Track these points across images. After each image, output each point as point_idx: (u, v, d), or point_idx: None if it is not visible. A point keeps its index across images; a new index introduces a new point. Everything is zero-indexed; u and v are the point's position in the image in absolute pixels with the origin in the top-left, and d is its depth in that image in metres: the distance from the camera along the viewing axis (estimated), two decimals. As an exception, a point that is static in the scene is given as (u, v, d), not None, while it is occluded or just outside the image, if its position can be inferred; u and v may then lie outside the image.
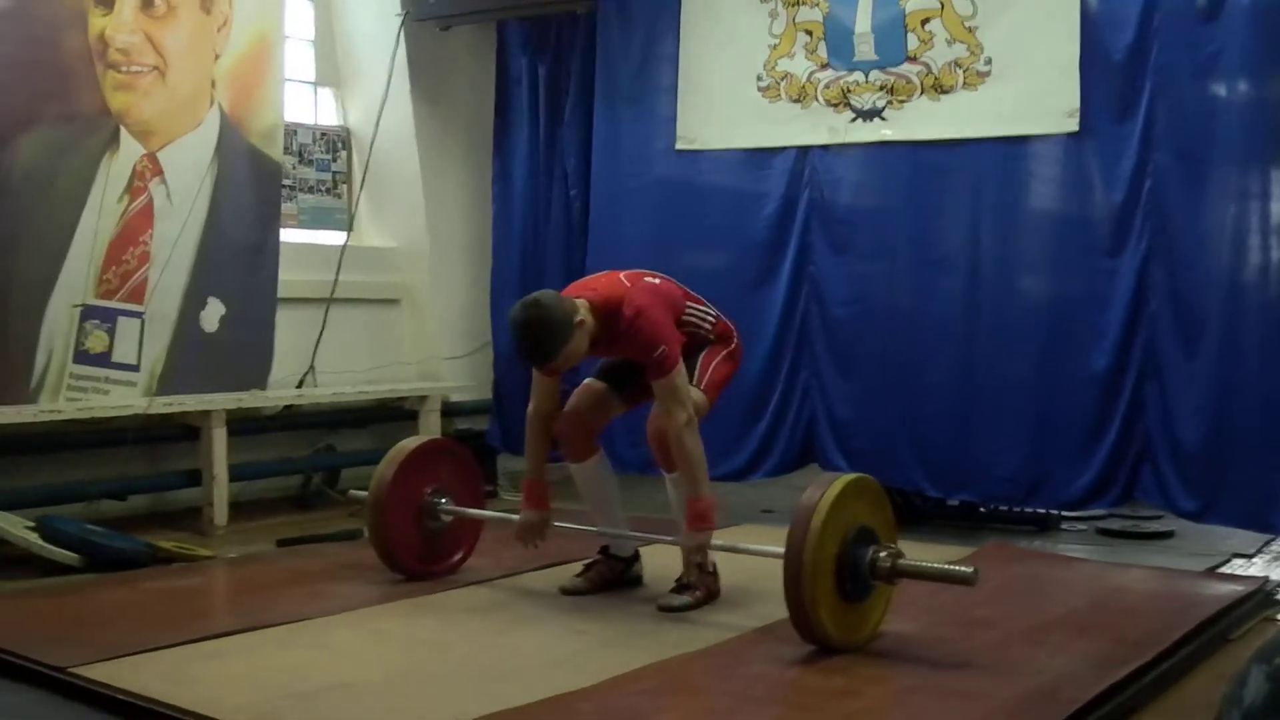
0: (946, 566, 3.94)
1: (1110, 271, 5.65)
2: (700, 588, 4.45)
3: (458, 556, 5.06)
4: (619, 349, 4.43)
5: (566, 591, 4.68)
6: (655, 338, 4.26)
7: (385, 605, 4.52)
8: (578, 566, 4.82)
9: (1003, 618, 4.33)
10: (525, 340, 4.20)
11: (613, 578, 4.74)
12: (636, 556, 4.84)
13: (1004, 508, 6.18)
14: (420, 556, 4.93)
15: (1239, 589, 4.73)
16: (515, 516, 4.72)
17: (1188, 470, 5.50)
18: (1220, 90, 5.45)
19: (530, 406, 4.66)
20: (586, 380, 4.73)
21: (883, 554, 3.90)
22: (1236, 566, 5.37)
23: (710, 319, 4.61)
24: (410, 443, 5.01)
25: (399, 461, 4.87)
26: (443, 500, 4.93)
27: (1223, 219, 5.39)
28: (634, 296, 4.31)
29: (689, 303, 4.55)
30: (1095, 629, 4.17)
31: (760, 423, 6.48)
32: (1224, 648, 4.17)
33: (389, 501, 4.81)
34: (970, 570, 3.86)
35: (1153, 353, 5.59)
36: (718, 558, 4.50)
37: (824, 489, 3.86)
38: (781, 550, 3.83)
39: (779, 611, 4.34)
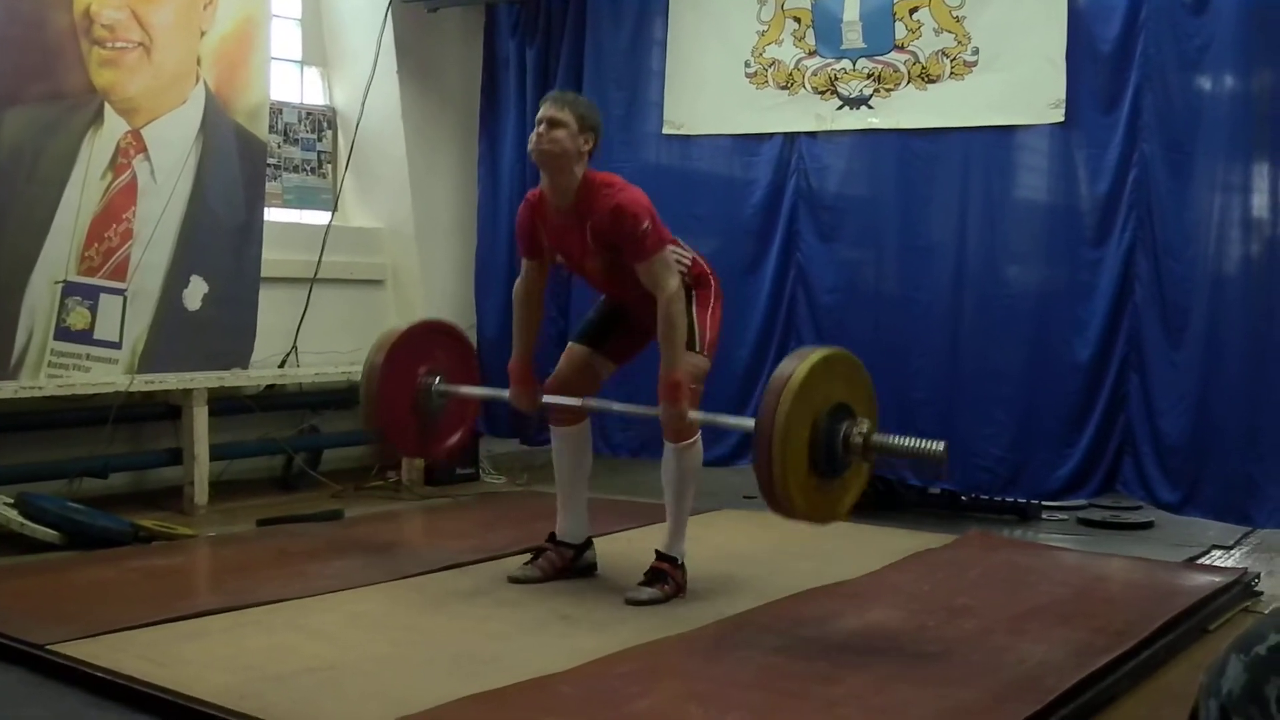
0: (918, 445, 3.89)
1: (1095, 262, 5.68)
2: (668, 582, 4.40)
3: (455, 437, 5.00)
4: (596, 238, 4.31)
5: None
6: (638, 214, 4.22)
7: (367, 588, 4.51)
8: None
9: (984, 606, 4.34)
10: (567, 92, 4.42)
11: (563, 566, 4.68)
12: (588, 544, 4.78)
13: (985, 497, 6.19)
14: (418, 438, 4.88)
15: (1218, 580, 4.76)
16: (506, 394, 4.66)
17: (1168, 461, 5.53)
18: (1206, 83, 5.47)
19: (516, 285, 4.65)
20: (569, 346, 4.69)
21: (855, 429, 3.84)
22: (1215, 558, 5.41)
23: (686, 261, 4.48)
24: (398, 328, 4.92)
25: (388, 348, 4.79)
26: (436, 380, 4.87)
27: (1207, 211, 5.41)
28: (621, 180, 4.34)
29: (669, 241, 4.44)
30: (1075, 618, 4.19)
31: (746, 409, 6.47)
32: (1202, 638, 4.19)
33: (382, 388, 4.73)
34: (940, 447, 3.85)
35: (1136, 343, 5.61)
36: (689, 549, 4.49)
37: (799, 362, 3.80)
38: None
39: (761, 597, 4.38)
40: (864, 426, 3.86)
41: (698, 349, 4.39)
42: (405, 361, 4.81)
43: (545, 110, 4.32)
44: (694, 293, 4.46)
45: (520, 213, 4.57)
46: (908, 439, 3.93)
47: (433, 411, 4.90)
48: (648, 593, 4.36)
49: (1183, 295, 5.48)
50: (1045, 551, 5.46)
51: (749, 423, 3.88)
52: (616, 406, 4.63)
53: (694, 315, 4.42)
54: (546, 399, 4.62)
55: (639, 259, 4.24)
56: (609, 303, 4.66)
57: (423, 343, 4.91)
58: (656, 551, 4.48)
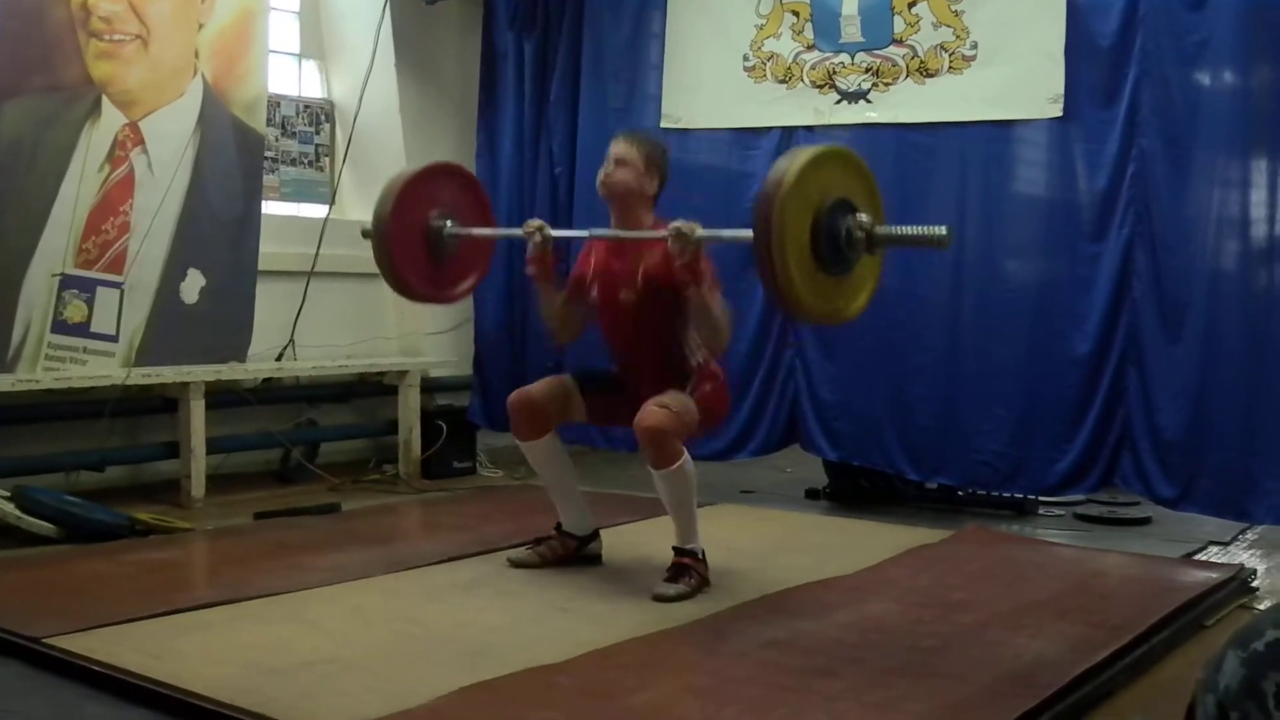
0: (920, 232, 3.85)
1: (1093, 256, 5.67)
2: (692, 575, 4.38)
3: (469, 281, 4.95)
4: (647, 272, 4.39)
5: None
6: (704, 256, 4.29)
7: (365, 580, 4.51)
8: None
9: (981, 601, 4.34)
10: (639, 131, 4.54)
11: (565, 554, 4.71)
12: (594, 535, 4.80)
13: (983, 492, 6.19)
14: (432, 284, 4.84)
15: (1215, 576, 4.75)
16: (519, 231, 4.66)
17: (1166, 457, 5.52)
18: (1205, 78, 5.46)
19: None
20: (560, 374, 4.71)
21: (856, 222, 3.74)
22: (1212, 553, 5.39)
23: (699, 357, 4.45)
24: (407, 172, 4.85)
25: (396, 193, 4.69)
26: (448, 223, 4.81)
27: (1206, 206, 5.40)
28: None
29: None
30: (1072, 613, 4.19)
31: (745, 403, 6.49)
32: (1199, 634, 4.19)
33: (392, 230, 4.65)
34: (944, 230, 3.81)
35: (1134, 338, 5.61)
36: (705, 545, 4.48)
37: (790, 161, 3.71)
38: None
39: (759, 591, 4.38)
40: (865, 218, 3.77)
41: (693, 395, 4.40)
42: (414, 207, 4.74)
43: (614, 147, 4.49)
44: (698, 377, 4.43)
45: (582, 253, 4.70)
46: (909, 227, 3.88)
47: (446, 255, 4.83)
48: (675, 589, 4.33)
49: (1181, 290, 5.47)
50: (1042, 547, 5.46)
51: (748, 233, 3.77)
52: (624, 234, 4.52)
53: (697, 387, 4.41)
54: (555, 234, 4.66)
55: (696, 282, 4.22)
56: (614, 371, 4.67)
57: (431, 187, 4.83)
58: (674, 548, 4.45)
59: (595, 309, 4.63)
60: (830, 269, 3.76)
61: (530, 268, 4.62)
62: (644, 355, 4.39)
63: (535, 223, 4.61)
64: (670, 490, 4.37)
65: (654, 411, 4.25)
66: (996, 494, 6.18)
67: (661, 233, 4.30)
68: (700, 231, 4.24)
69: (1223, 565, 5.05)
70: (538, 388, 4.62)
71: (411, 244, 4.72)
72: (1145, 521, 6.00)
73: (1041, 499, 6.23)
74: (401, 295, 4.86)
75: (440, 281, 4.87)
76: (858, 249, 3.78)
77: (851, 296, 3.91)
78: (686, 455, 4.32)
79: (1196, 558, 5.30)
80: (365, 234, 4.82)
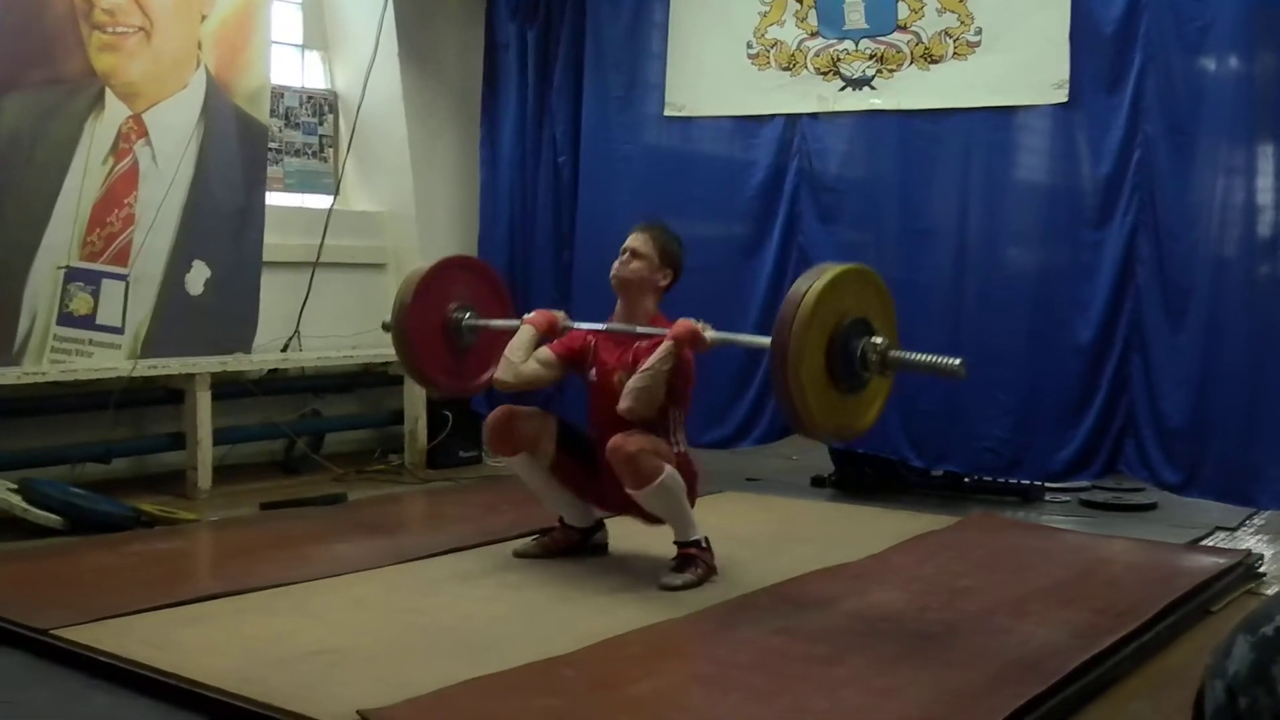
0: (935, 361, 3.88)
1: (1097, 243, 5.66)
2: (698, 565, 4.38)
3: (490, 372, 4.86)
4: (636, 359, 4.38)
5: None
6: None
7: (370, 571, 4.51)
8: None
9: (986, 588, 4.34)
10: (656, 224, 4.57)
11: (568, 546, 4.72)
12: (598, 526, 4.80)
13: (988, 478, 6.18)
14: (453, 373, 4.88)
15: (1221, 561, 4.75)
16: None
17: (1171, 443, 5.51)
18: (1209, 64, 5.45)
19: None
20: (549, 412, 4.75)
21: (871, 344, 3.80)
22: (1219, 539, 5.39)
23: (680, 449, 4.44)
24: (425, 266, 4.90)
25: (415, 286, 4.74)
26: (467, 315, 4.84)
27: (1210, 192, 5.39)
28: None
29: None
30: (1078, 600, 4.18)
31: (748, 391, 6.48)
32: (1205, 620, 4.19)
33: (412, 323, 4.69)
34: (958, 362, 3.84)
35: (1138, 325, 5.59)
36: (710, 534, 4.48)
37: (813, 279, 3.75)
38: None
39: (763, 580, 4.38)
40: (880, 341, 3.82)
41: (673, 446, 4.40)
42: (434, 300, 4.78)
43: (630, 240, 4.50)
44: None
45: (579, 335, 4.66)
46: (925, 355, 3.91)
47: (465, 347, 4.88)
48: (681, 578, 4.33)
49: (1184, 277, 5.46)
50: (1048, 533, 5.46)
51: (765, 341, 3.84)
52: (638, 331, 4.48)
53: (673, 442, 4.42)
54: (574, 326, 4.66)
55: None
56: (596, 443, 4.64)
57: (449, 280, 4.88)
58: (676, 543, 4.44)
59: (587, 388, 4.65)
60: (843, 389, 3.83)
61: (537, 318, 4.62)
62: (619, 425, 4.36)
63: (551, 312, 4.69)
64: (657, 503, 4.36)
65: (626, 435, 4.26)
66: (1002, 481, 6.17)
67: (661, 330, 4.35)
68: (712, 334, 4.28)
69: (1229, 551, 5.05)
70: (521, 412, 4.63)
71: (432, 336, 4.79)
72: (1151, 507, 5.99)
73: (1047, 485, 6.22)
74: (422, 387, 4.87)
75: (461, 374, 4.94)
76: (871, 370, 3.85)
77: (861, 413, 3.96)
78: (668, 469, 4.27)
79: (1204, 543, 5.29)
80: (385, 327, 4.87)
